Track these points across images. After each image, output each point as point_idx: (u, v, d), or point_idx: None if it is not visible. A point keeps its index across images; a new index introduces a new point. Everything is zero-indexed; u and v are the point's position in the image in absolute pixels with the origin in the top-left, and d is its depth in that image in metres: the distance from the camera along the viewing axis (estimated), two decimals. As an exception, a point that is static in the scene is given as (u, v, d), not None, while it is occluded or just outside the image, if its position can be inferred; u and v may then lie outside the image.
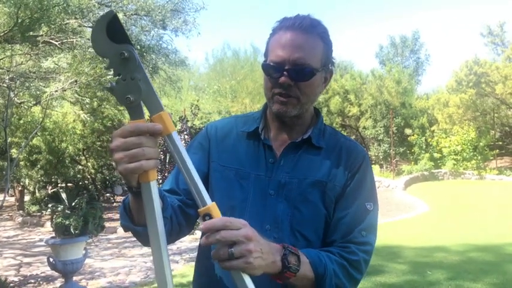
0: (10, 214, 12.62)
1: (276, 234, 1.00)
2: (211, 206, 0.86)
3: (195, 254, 1.03)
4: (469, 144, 17.42)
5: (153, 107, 0.83)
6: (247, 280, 0.86)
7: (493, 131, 19.49)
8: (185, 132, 10.29)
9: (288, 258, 0.94)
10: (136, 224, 1.02)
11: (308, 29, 1.06)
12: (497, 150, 19.37)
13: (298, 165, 1.12)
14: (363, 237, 1.09)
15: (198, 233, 7.51)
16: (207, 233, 0.85)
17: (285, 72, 1.05)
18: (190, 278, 1.04)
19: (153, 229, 0.87)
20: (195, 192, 0.87)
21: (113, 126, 12.55)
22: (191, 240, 7.41)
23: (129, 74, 0.82)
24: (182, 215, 1.12)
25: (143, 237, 1.05)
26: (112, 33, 0.81)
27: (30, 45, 5.69)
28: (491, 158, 18.63)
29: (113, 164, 13.63)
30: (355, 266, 1.06)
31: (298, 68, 1.05)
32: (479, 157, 17.31)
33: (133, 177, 0.86)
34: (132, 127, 0.82)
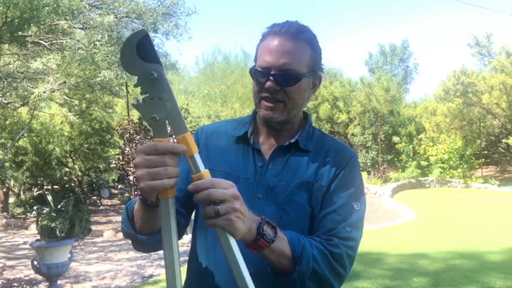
0: (-6, 216, 12.42)
1: None
2: (205, 173, 0.88)
3: (182, 258, 1.04)
4: (455, 152, 17.64)
5: (177, 128, 0.86)
6: (232, 242, 0.88)
7: (479, 140, 19.76)
8: (173, 136, 10.28)
9: (263, 227, 0.95)
10: (138, 232, 1.05)
11: (295, 35, 1.08)
12: (483, 159, 19.63)
13: (286, 168, 1.13)
14: (347, 232, 1.08)
15: (185, 238, 7.47)
16: (196, 192, 0.87)
17: (271, 77, 1.07)
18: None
19: (168, 245, 0.89)
20: (190, 162, 0.88)
21: (101, 129, 12.47)
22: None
23: (157, 93, 0.84)
24: None
25: (143, 245, 1.09)
26: (142, 51, 0.83)
27: (18, 45, 5.64)
28: (477, 166, 18.88)
29: (100, 167, 13.53)
30: (336, 259, 1.05)
31: (284, 73, 1.07)
32: (465, 166, 17.54)
33: (153, 194, 0.89)
34: (157, 146, 0.85)
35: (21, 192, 13.35)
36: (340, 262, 1.06)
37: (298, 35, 1.09)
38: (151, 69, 0.82)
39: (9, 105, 7.20)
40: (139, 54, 0.83)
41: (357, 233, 1.11)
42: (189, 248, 1.24)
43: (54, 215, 4.76)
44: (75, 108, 8.15)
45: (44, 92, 5.27)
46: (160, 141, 0.86)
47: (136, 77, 0.85)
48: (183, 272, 1.23)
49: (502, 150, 21.02)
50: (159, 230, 0.98)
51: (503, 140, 19.68)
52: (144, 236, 1.05)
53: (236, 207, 0.88)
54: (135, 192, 10.91)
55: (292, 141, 1.16)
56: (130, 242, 1.14)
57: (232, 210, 0.87)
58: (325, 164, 1.14)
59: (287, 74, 1.07)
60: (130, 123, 10.07)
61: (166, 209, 0.88)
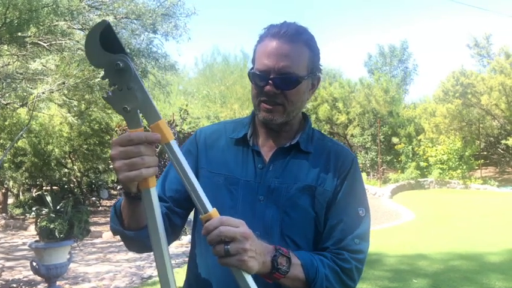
0: (-7, 217, 12.39)
1: (266, 241, 1.01)
2: (213, 212, 0.89)
3: (181, 259, 1.04)
4: (454, 153, 17.65)
5: (150, 116, 0.85)
6: (249, 279, 0.89)
7: (478, 141, 19.77)
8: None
9: (278, 260, 0.97)
10: (126, 228, 1.04)
11: (293, 37, 1.07)
12: (482, 160, 19.64)
13: (287, 170, 1.13)
14: (356, 244, 1.10)
15: (184, 239, 7.46)
16: (207, 234, 0.88)
17: (270, 81, 1.07)
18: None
19: (154, 234, 0.89)
20: (196, 200, 0.89)
21: (100, 130, 12.45)
22: (177, 246, 7.37)
23: (125, 84, 0.83)
24: (168, 223, 1.12)
25: (132, 241, 1.08)
26: (106, 42, 0.81)
27: (18, 46, 5.63)
28: (476, 167, 18.89)
29: (99, 167, 13.51)
30: (347, 274, 1.08)
31: (283, 76, 1.06)
32: (464, 166, 17.54)
33: (133, 185, 0.89)
34: (130, 136, 0.84)
35: (20, 193, 13.33)
36: (350, 276, 1.09)
37: (296, 37, 1.08)
38: (117, 59, 0.81)
39: (8, 106, 7.18)
40: (104, 46, 0.81)
41: (365, 245, 1.13)
42: (188, 249, 1.24)
43: (53, 216, 4.75)
44: (74, 109, 8.13)
45: (43, 93, 5.27)
46: (134, 132, 0.85)
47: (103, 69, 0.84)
48: (182, 272, 1.23)
49: (501, 151, 21.03)
50: (145, 226, 0.98)
51: (503, 141, 19.68)
52: (132, 231, 1.04)
53: (246, 248, 0.88)
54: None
55: (293, 142, 1.15)
56: None
57: (243, 251, 0.88)
58: (327, 168, 1.14)
59: (286, 77, 1.07)
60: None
61: (149, 198, 0.88)
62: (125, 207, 1.01)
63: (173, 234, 1.16)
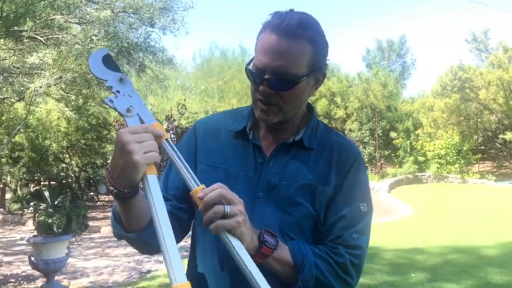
0: (-9, 212, 12.37)
1: None
2: (203, 186, 0.95)
3: (182, 253, 1.03)
4: (452, 148, 17.69)
5: (147, 119, 0.97)
6: (243, 248, 0.91)
7: (476, 136, 19.82)
8: (171, 132, 10.23)
9: (264, 235, 0.97)
10: (128, 231, 1.03)
11: (295, 32, 0.98)
12: (480, 155, 19.70)
13: (288, 166, 1.09)
14: (354, 240, 1.06)
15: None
16: (207, 194, 0.92)
17: (264, 82, 1.01)
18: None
19: (162, 218, 0.89)
20: (187, 176, 0.96)
21: (98, 124, 12.42)
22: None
23: (127, 92, 0.97)
24: (174, 219, 1.09)
25: (136, 243, 1.07)
26: (107, 63, 0.97)
27: (14, 40, 5.60)
28: (474, 162, 18.95)
29: (97, 162, 13.50)
30: (341, 267, 1.04)
31: (279, 77, 0.99)
32: (462, 161, 17.60)
33: (142, 171, 0.89)
34: (143, 126, 0.92)
35: (18, 188, 13.31)
36: (344, 270, 1.04)
37: (298, 32, 0.99)
38: (120, 74, 0.97)
39: (5, 101, 7.15)
40: (107, 66, 0.97)
41: (363, 240, 1.08)
42: (187, 243, 1.23)
43: (51, 210, 4.74)
44: (72, 103, 8.10)
45: (40, 87, 5.24)
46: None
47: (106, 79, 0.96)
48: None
49: (499, 146, 21.09)
50: (146, 225, 1.00)
51: (500, 136, 19.74)
52: (134, 233, 1.02)
53: (242, 211, 0.93)
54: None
55: (296, 138, 1.11)
56: None
57: (240, 213, 0.92)
58: (329, 164, 1.10)
59: (282, 78, 1.00)
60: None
61: (155, 184, 0.92)
62: (120, 211, 1.00)
63: (181, 230, 1.14)
